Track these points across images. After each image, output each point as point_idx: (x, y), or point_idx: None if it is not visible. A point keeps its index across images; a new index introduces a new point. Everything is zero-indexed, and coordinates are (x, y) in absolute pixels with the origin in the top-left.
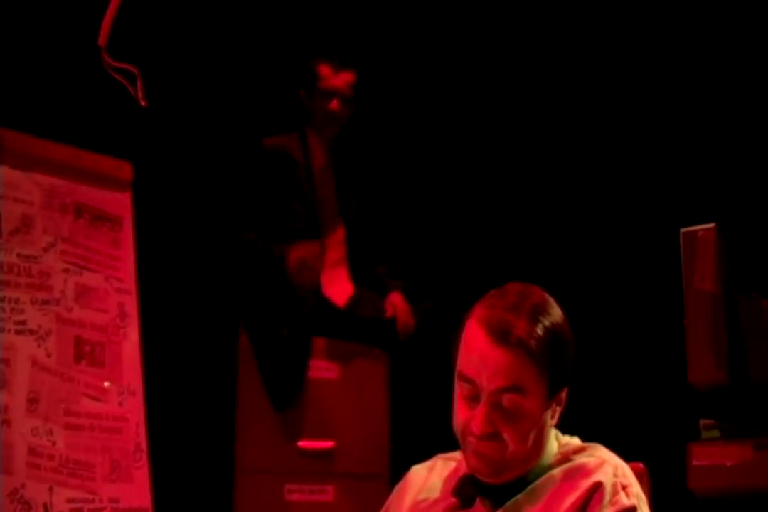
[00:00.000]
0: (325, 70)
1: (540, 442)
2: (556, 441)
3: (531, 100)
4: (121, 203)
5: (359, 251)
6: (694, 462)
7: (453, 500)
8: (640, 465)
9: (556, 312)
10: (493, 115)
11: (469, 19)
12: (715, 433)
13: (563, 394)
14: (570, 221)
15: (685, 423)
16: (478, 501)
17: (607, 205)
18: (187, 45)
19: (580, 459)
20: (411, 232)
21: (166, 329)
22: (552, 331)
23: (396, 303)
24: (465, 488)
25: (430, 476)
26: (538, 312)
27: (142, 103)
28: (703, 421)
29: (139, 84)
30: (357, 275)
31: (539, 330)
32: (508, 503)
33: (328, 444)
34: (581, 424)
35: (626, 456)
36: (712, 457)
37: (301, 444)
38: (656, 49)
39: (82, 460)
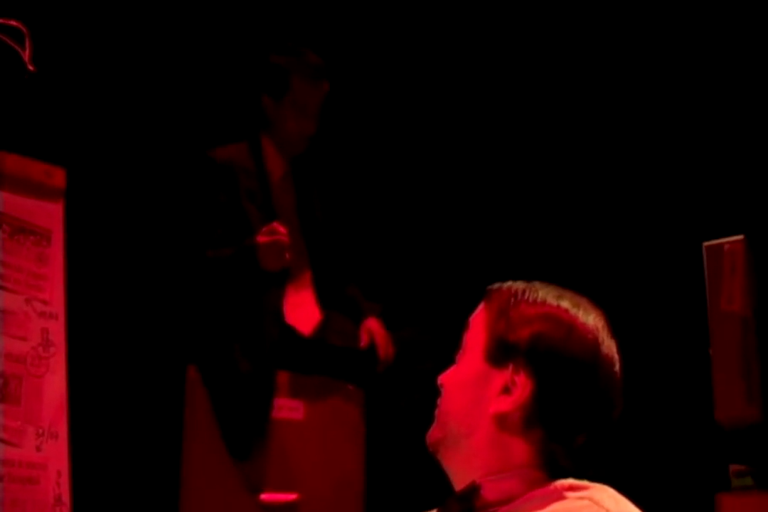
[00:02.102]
0: (299, 84)
1: (465, 409)
2: (547, 471)
3: (537, 103)
4: (50, 214)
5: (327, 270)
6: None
7: None
8: None
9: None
10: (486, 115)
11: (446, 13)
12: (748, 481)
13: (518, 375)
14: (576, 232)
15: (712, 469)
16: None
17: (621, 216)
18: (128, 37)
19: (569, 502)
20: (387, 246)
21: (99, 361)
22: (542, 315)
23: (373, 330)
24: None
25: None
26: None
27: (30, 68)
28: (733, 467)
29: (27, 45)
30: (325, 298)
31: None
32: None
33: (293, 496)
34: (591, 471)
35: (645, 509)
36: (745, 509)
37: (262, 497)
38: (681, 56)
39: None
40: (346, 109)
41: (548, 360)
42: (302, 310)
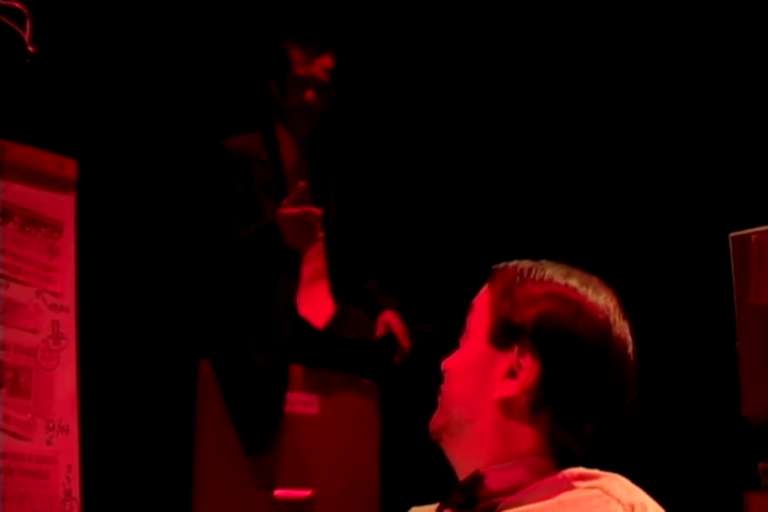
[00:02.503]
0: (298, 55)
1: (468, 394)
2: (555, 460)
3: (555, 93)
4: (61, 206)
5: (343, 262)
6: None
7: None
8: None
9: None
10: (499, 108)
11: (455, 7)
12: None
13: (524, 358)
14: (602, 223)
15: (740, 467)
16: None
17: (647, 207)
18: (139, 29)
19: (579, 492)
20: (406, 238)
21: (110, 354)
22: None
23: (391, 322)
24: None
25: None
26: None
27: (30, 49)
28: (762, 465)
29: (28, 26)
30: (340, 291)
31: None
32: None
33: (307, 492)
34: (615, 467)
35: (672, 508)
36: None
37: (275, 493)
38: (698, 45)
39: None
40: (362, 100)
41: (555, 341)
42: (316, 303)
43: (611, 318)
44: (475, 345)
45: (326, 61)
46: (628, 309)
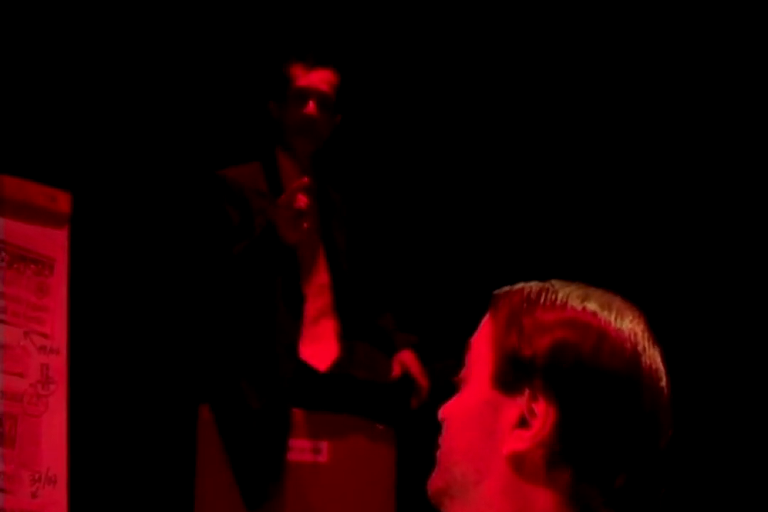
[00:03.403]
0: (297, 70)
1: (472, 450)
2: None
3: (556, 103)
4: (53, 241)
5: (353, 297)
6: None
7: None
8: None
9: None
10: (512, 126)
11: (460, 15)
12: None
13: (537, 402)
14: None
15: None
16: None
17: (665, 214)
18: (134, 57)
19: None
20: (423, 269)
21: (104, 399)
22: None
23: (407, 362)
24: None
25: None
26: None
27: None
28: None
29: None
30: (350, 329)
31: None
32: None
33: None
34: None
35: None
36: None
37: None
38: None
39: None
40: (371, 123)
41: (574, 379)
42: (319, 345)
43: (640, 347)
44: (477, 389)
45: (326, 74)
46: (657, 333)
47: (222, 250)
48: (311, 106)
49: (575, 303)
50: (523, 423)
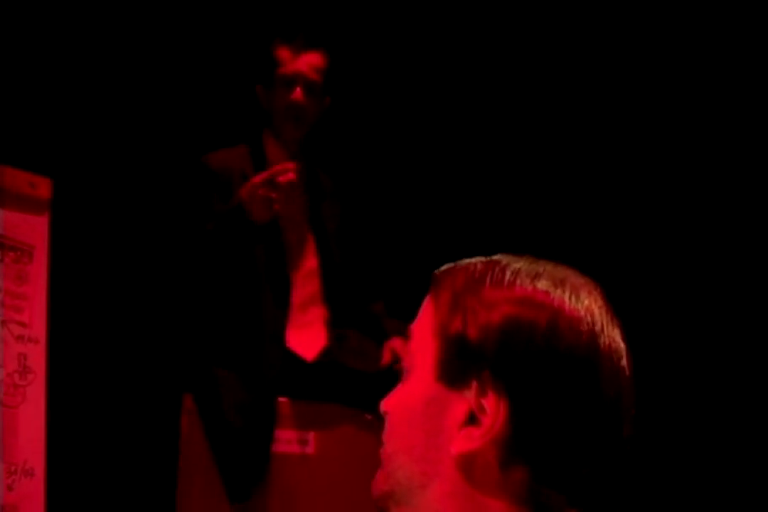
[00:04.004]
0: (284, 54)
1: (416, 451)
2: None
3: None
4: (33, 228)
5: (342, 285)
6: None
7: None
8: None
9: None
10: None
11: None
12: None
13: (486, 396)
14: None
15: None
16: None
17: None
18: (118, 39)
19: None
20: (416, 254)
21: (84, 391)
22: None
23: (398, 350)
24: None
25: None
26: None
27: None
28: None
29: None
30: (340, 317)
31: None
32: None
33: None
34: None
35: None
36: None
37: None
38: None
39: None
40: (361, 105)
41: (526, 367)
42: (307, 333)
43: (598, 327)
44: (420, 383)
45: (314, 58)
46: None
47: (199, 229)
48: (298, 93)
49: (525, 281)
50: (472, 419)
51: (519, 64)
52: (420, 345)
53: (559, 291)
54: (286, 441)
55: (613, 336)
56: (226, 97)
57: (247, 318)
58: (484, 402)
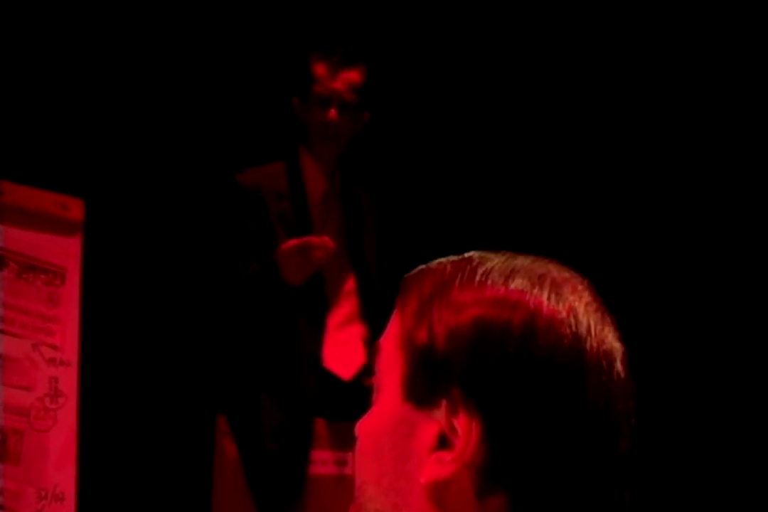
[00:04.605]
0: (321, 70)
1: (385, 478)
2: None
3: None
4: (65, 250)
5: (382, 304)
6: None
7: None
8: None
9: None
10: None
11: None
12: None
13: (457, 416)
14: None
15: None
16: None
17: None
18: (149, 54)
19: None
20: None
21: (114, 413)
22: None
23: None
24: None
25: None
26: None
27: None
28: None
29: None
30: (379, 336)
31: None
32: None
33: None
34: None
35: None
36: None
37: None
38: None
39: None
40: (404, 120)
41: (498, 380)
42: (345, 352)
43: (583, 328)
44: (387, 404)
45: (352, 76)
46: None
47: (231, 268)
48: (332, 113)
49: (497, 280)
50: (443, 443)
51: (544, 80)
52: (387, 361)
53: (536, 290)
54: (323, 462)
55: (603, 338)
56: (262, 111)
57: (283, 339)
58: (455, 422)
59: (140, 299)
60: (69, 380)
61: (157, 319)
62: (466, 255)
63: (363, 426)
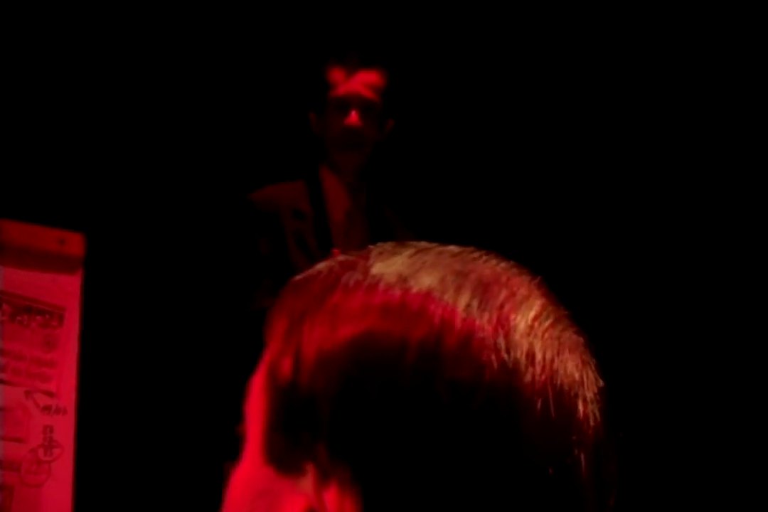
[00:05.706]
0: (337, 75)
1: None
2: None
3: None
4: (63, 288)
5: None
6: None
7: None
8: None
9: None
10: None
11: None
12: None
13: (327, 488)
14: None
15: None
16: None
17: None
18: (154, 72)
19: None
20: None
21: (113, 465)
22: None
23: None
24: None
25: None
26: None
27: None
28: None
29: None
30: None
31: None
32: None
33: None
34: None
35: None
36: None
37: None
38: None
39: None
40: (430, 131)
41: (382, 437)
42: None
43: (517, 353)
44: (248, 466)
45: (370, 77)
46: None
47: (250, 291)
48: (353, 116)
49: (394, 281)
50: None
51: (555, 87)
52: (251, 406)
53: (449, 294)
54: None
55: (555, 368)
56: (280, 132)
57: None
58: (324, 495)
59: (143, 339)
60: (65, 429)
61: (161, 362)
62: (363, 250)
63: (228, 491)
